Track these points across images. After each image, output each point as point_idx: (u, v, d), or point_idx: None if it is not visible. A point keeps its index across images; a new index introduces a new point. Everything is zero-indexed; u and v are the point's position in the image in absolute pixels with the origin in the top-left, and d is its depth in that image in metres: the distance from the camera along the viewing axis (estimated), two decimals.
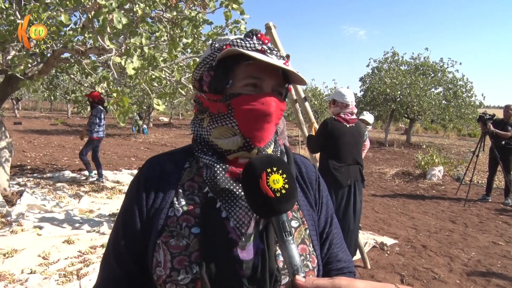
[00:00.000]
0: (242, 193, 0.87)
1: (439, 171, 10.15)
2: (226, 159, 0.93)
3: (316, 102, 23.62)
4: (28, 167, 8.90)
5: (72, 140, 15.18)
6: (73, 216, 5.23)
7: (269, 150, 0.94)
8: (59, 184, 7.15)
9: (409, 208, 7.22)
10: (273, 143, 0.96)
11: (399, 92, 17.53)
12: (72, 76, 6.70)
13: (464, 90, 18.61)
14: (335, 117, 3.88)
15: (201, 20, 3.83)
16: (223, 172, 0.89)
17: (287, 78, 0.94)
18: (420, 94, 17.00)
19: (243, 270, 0.82)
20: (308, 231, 0.95)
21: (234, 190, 0.88)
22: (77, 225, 4.88)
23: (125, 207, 0.96)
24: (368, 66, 20.58)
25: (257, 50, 0.88)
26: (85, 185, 7.24)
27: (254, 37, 0.90)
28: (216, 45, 0.93)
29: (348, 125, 3.82)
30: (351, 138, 3.82)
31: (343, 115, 3.83)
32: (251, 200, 0.78)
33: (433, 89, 18.66)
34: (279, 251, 0.85)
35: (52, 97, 10.39)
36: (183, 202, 0.90)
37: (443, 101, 18.45)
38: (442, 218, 6.49)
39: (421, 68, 19.16)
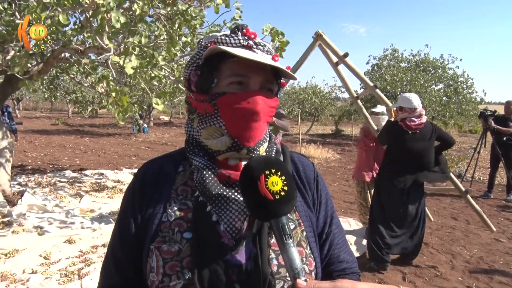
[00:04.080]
0: (233, 196, 0.86)
1: None
2: (217, 160, 0.90)
3: (316, 100, 23.57)
4: (29, 167, 8.92)
5: (73, 140, 15.20)
6: (74, 215, 5.22)
7: (261, 149, 0.91)
8: (60, 184, 7.15)
9: None
10: (266, 142, 0.94)
11: (399, 89, 17.50)
12: (72, 76, 6.68)
13: (464, 86, 18.57)
14: (399, 122, 4.02)
15: (192, 14, 3.82)
16: (212, 176, 0.87)
17: (278, 74, 0.91)
18: (421, 91, 16.96)
19: (235, 275, 0.80)
20: (305, 233, 0.92)
21: (224, 193, 0.86)
22: (78, 224, 4.88)
23: (122, 212, 0.95)
24: (368, 63, 20.57)
25: (242, 46, 0.86)
26: (86, 185, 7.24)
27: (239, 33, 0.87)
28: (203, 43, 0.91)
29: (410, 132, 3.94)
30: (414, 144, 3.94)
31: (408, 122, 3.96)
32: (249, 203, 0.77)
33: (433, 86, 18.63)
34: (272, 255, 0.83)
35: (52, 98, 10.38)
36: (176, 207, 0.88)
37: (444, 98, 18.42)
38: (443, 215, 6.48)
39: (421, 65, 19.11)
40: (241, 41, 0.86)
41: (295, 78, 0.93)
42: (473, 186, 7.98)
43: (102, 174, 8.36)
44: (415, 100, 3.96)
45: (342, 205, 6.88)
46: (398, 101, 4.12)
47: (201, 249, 0.80)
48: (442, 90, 18.76)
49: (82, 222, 4.97)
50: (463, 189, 4.75)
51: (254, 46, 0.87)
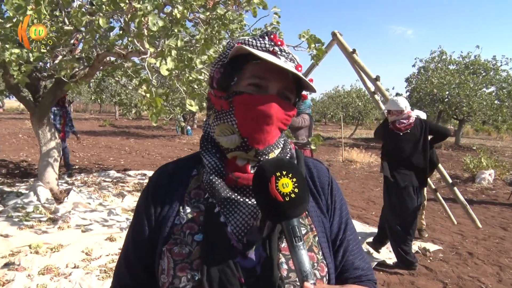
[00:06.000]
0: (241, 200, 0.86)
1: (489, 174, 9.65)
2: (227, 159, 0.91)
3: (360, 104, 23.20)
4: (76, 167, 9.30)
5: (118, 141, 15.76)
6: (116, 214, 5.40)
7: (272, 155, 0.91)
8: (104, 184, 7.42)
9: (455, 212, 6.85)
10: (279, 148, 0.93)
11: (447, 92, 16.89)
12: (117, 79, 6.93)
13: None
14: (390, 125, 4.18)
15: (230, 18, 3.88)
16: (219, 180, 0.87)
17: (300, 84, 0.92)
18: (470, 94, 16.28)
19: (244, 278, 0.80)
20: (317, 238, 0.91)
21: (232, 196, 0.86)
22: (119, 223, 5.04)
23: (136, 215, 0.98)
24: (414, 66, 20.04)
25: (267, 51, 0.87)
26: (128, 185, 7.47)
27: (266, 38, 0.89)
28: (231, 43, 0.93)
29: (401, 133, 4.08)
30: (406, 145, 4.07)
31: (397, 124, 4.10)
32: (261, 205, 0.78)
33: (484, 89, 17.83)
34: (282, 260, 0.83)
35: (99, 100, 10.82)
36: (188, 210, 0.90)
37: (496, 101, 17.58)
38: (491, 224, 6.16)
39: (471, 67, 18.36)
40: (267, 45, 0.88)
41: (314, 91, 0.94)
42: None
43: (145, 174, 8.60)
44: (402, 102, 4.10)
45: None
46: (386, 105, 4.29)
47: (211, 251, 0.81)
48: (494, 93, 17.92)
49: (123, 221, 5.13)
50: (451, 181, 4.96)
51: (279, 52, 0.88)
